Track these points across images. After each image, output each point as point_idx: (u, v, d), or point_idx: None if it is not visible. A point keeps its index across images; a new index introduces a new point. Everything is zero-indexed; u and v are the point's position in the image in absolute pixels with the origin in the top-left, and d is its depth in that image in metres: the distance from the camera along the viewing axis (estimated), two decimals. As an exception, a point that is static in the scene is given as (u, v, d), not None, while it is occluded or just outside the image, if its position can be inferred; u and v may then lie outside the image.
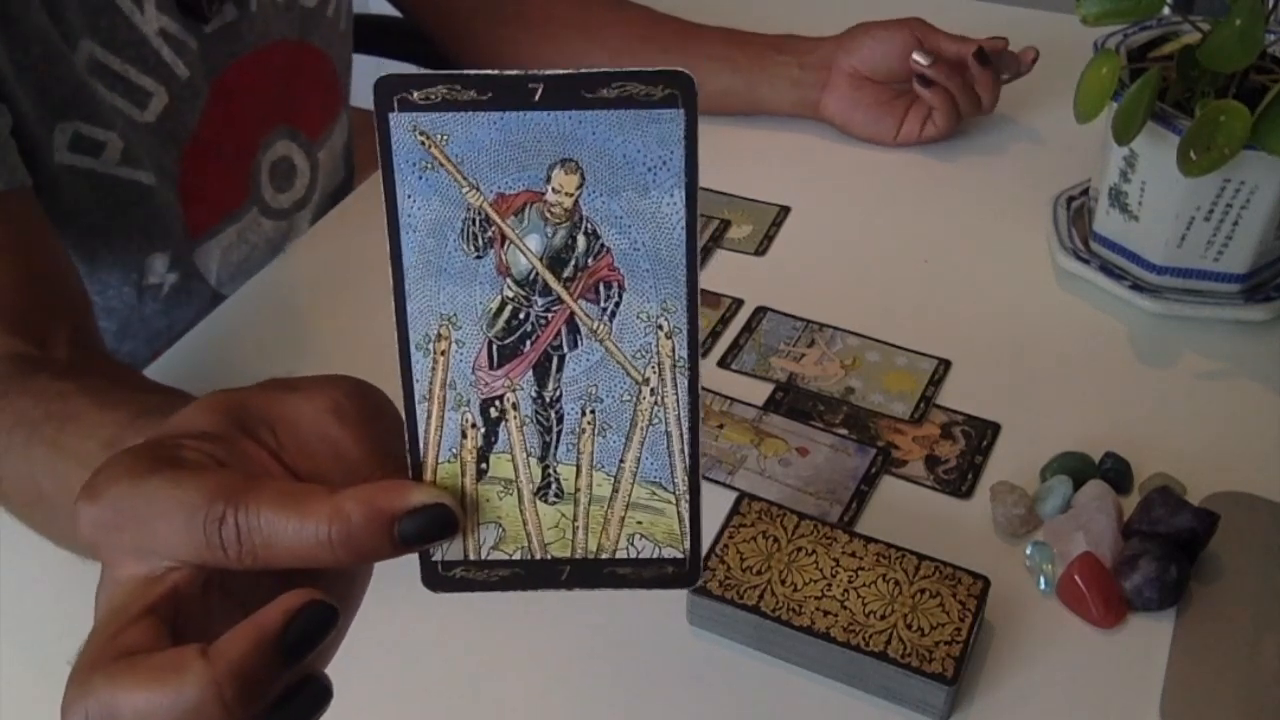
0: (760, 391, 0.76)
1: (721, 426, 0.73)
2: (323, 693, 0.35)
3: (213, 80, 0.82)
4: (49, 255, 0.69)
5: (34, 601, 0.63)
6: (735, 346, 0.79)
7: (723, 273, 0.86)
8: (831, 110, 0.98)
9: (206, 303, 0.88)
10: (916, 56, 0.94)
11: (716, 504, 0.64)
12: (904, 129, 0.97)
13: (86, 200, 0.78)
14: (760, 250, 0.89)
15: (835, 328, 0.80)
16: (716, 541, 0.62)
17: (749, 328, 0.81)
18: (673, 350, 0.36)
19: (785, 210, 0.93)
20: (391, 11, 1.10)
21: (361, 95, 1.11)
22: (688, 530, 0.38)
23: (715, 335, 0.81)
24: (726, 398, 0.75)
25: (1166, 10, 0.78)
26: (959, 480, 0.69)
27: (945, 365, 0.77)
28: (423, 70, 0.34)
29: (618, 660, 0.61)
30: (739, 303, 0.83)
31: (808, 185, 0.95)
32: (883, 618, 0.58)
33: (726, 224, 0.91)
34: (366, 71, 1.07)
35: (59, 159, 0.75)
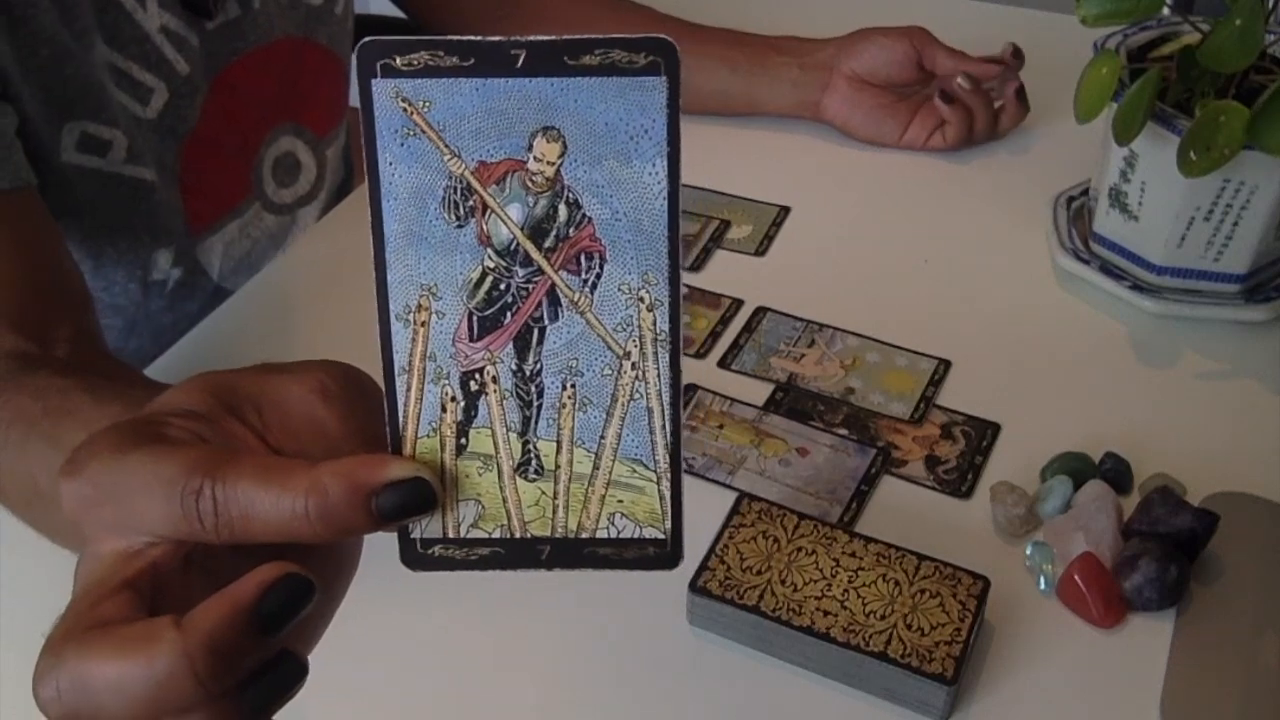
0: (760, 391, 0.76)
1: (721, 426, 0.73)
2: (298, 670, 0.34)
3: (214, 77, 0.82)
4: (52, 253, 0.69)
5: (34, 601, 0.63)
6: (735, 346, 0.79)
7: (723, 273, 0.86)
8: (831, 112, 0.98)
9: (210, 297, 0.89)
10: (960, 80, 0.94)
11: (716, 504, 0.64)
12: (909, 134, 0.97)
13: (93, 198, 0.78)
14: (760, 250, 0.89)
15: (835, 328, 0.80)
16: (716, 541, 0.62)
17: (749, 328, 0.81)
18: (654, 323, 0.36)
19: (785, 210, 0.93)
20: (391, 11, 1.11)
21: (358, 95, 1.11)
22: (669, 510, 0.37)
23: (715, 335, 0.81)
24: (726, 398, 0.75)
25: (1166, 10, 0.78)
26: (959, 480, 0.69)
27: (945, 365, 0.77)
28: (406, 36, 0.34)
29: (618, 660, 0.61)
30: (739, 303, 0.83)
31: (808, 185, 0.95)
32: (883, 618, 0.58)
33: (726, 224, 0.91)
34: (367, 71, 1.07)
35: (65, 158, 0.75)
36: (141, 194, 0.80)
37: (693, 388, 0.75)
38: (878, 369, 0.77)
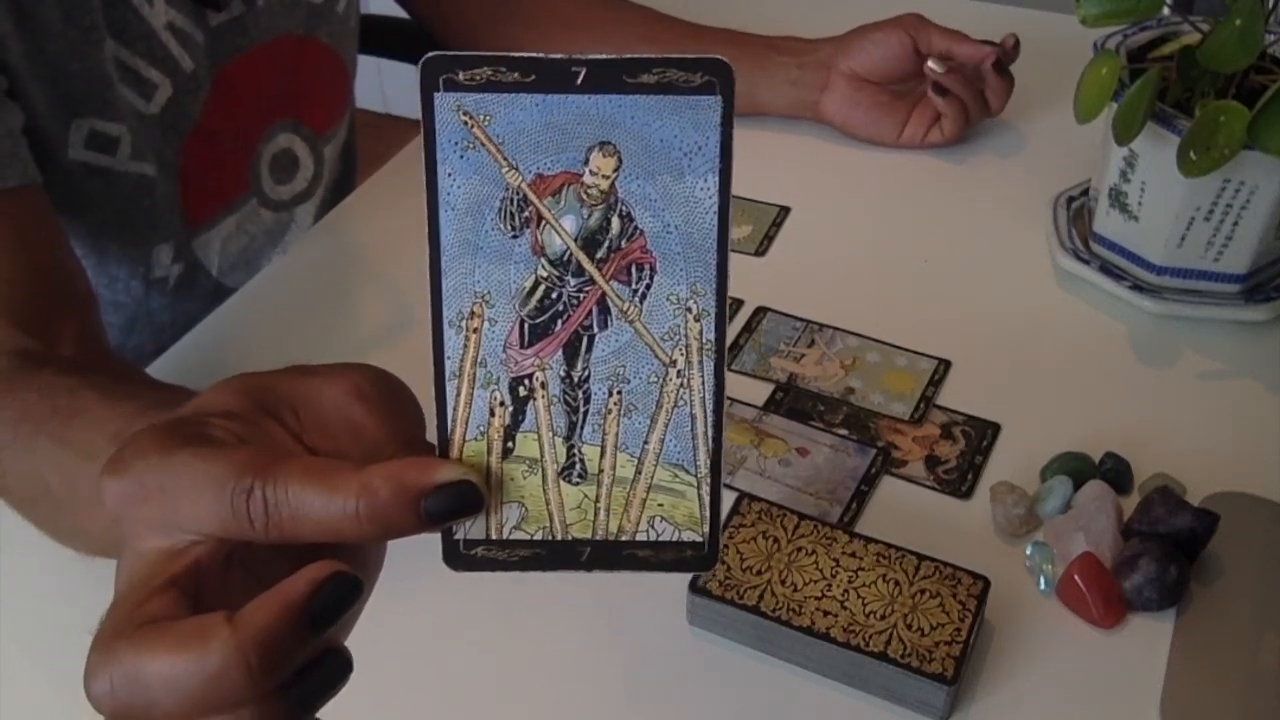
0: (760, 391, 0.76)
1: (722, 426, 0.73)
2: (344, 665, 0.35)
3: (216, 73, 0.82)
4: (57, 252, 0.69)
5: (35, 600, 0.63)
6: (735, 346, 0.79)
7: (723, 273, 0.86)
8: (831, 111, 0.98)
9: (210, 294, 0.89)
10: (931, 64, 0.94)
11: (717, 504, 0.64)
12: (907, 131, 0.97)
13: (98, 196, 0.78)
14: (760, 250, 0.89)
15: (835, 328, 0.80)
16: (717, 541, 0.62)
17: (749, 328, 0.81)
18: (700, 333, 0.37)
19: (785, 210, 0.93)
20: (392, 11, 1.11)
21: (360, 95, 1.11)
22: (708, 514, 0.38)
23: (715, 335, 0.81)
24: (727, 398, 0.75)
25: (1166, 10, 0.78)
26: (959, 480, 0.70)
27: (945, 365, 0.77)
28: (469, 52, 0.35)
29: (618, 660, 0.61)
30: (739, 303, 0.83)
31: (808, 185, 0.95)
32: (883, 618, 0.58)
33: (727, 224, 0.91)
34: (367, 72, 1.08)
35: (73, 155, 0.75)
36: (144, 190, 0.81)
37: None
38: (878, 369, 0.77)
